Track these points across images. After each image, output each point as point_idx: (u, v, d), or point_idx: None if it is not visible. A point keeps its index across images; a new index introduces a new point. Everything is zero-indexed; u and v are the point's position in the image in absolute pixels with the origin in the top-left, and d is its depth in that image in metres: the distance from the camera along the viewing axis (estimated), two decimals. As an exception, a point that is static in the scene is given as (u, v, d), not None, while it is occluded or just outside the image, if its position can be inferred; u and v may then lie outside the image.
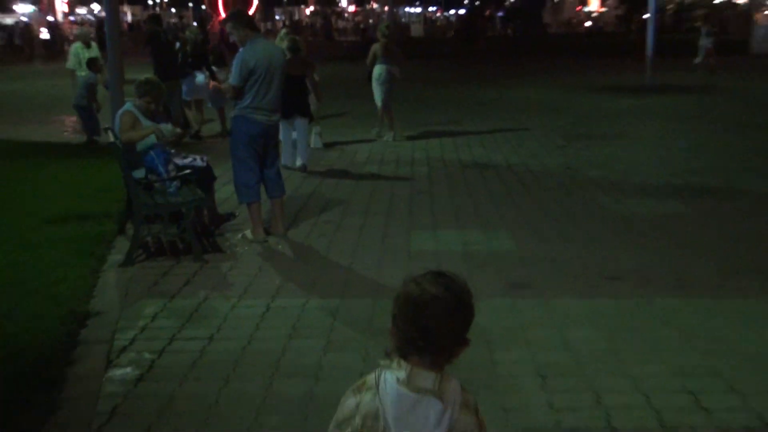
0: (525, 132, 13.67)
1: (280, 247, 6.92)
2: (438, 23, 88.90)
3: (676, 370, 4.34)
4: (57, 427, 3.72)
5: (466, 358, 2.04)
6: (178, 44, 13.55)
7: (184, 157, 7.36)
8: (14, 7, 54.68)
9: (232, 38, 7.10)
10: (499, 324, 4.95)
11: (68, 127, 14.73)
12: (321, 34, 62.90)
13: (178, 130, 7.60)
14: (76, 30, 21.99)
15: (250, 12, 36.52)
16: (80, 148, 12.25)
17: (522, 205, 8.34)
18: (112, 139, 6.75)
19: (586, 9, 79.83)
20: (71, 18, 57.64)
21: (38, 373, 4.19)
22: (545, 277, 5.98)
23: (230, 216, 7.61)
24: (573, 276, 5.99)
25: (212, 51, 14.71)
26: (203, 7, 54.65)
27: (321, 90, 11.57)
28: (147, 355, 4.58)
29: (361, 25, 68.39)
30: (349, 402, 2.03)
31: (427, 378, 1.96)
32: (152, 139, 6.84)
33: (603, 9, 74.06)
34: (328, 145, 12.19)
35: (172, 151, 7.14)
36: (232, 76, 6.92)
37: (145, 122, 6.91)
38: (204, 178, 7.17)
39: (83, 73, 13.37)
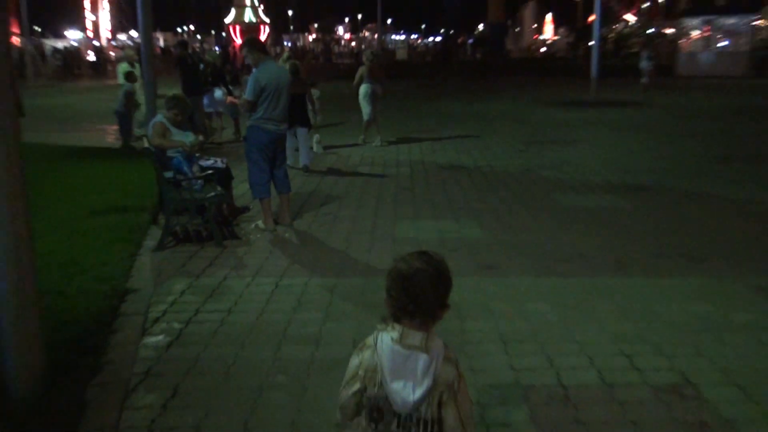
0: (490, 138, 13.65)
1: (287, 234, 6.89)
2: (419, 49, 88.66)
3: (614, 336, 4.35)
4: (101, 386, 3.69)
5: (440, 327, 2.03)
6: (201, 66, 13.50)
7: (207, 159, 7.33)
8: (66, 33, 54.18)
9: (247, 61, 7.07)
10: (469, 299, 4.95)
11: (110, 135, 14.62)
12: (322, 57, 62.60)
13: (201, 138, 7.55)
14: (122, 53, 21.85)
15: (262, 38, 36.30)
16: (120, 152, 12.15)
17: (488, 199, 8.34)
18: (146, 144, 6.69)
19: (542, 37, 79.77)
20: (113, 43, 57.03)
21: (85, 341, 4.16)
22: (507, 260, 5.98)
23: (245, 209, 7.60)
24: (530, 258, 5.99)
25: (229, 72, 14.67)
26: (224, 34, 54.27)
27: (317, 106, 11.63)
28: (176, 325, 4.56)
29: (355, 50, 68.01)
30: (353, 361, 2.07)
31: (416, 336, 1.98)
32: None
33: (556, 37, 73.94)
34: (326, 148, 12.17)
35: (197, 155, 7.11)
36: (246, 92, 6.88)
37: (174, 131, 6.88)
38: (223, 177, 7.14)
39: (122, 83, 13.39)
